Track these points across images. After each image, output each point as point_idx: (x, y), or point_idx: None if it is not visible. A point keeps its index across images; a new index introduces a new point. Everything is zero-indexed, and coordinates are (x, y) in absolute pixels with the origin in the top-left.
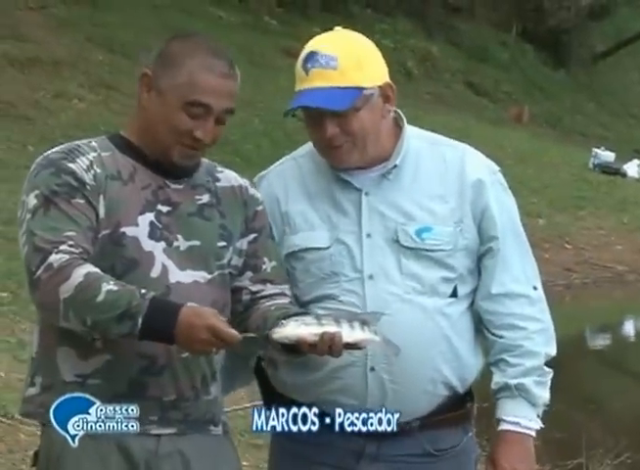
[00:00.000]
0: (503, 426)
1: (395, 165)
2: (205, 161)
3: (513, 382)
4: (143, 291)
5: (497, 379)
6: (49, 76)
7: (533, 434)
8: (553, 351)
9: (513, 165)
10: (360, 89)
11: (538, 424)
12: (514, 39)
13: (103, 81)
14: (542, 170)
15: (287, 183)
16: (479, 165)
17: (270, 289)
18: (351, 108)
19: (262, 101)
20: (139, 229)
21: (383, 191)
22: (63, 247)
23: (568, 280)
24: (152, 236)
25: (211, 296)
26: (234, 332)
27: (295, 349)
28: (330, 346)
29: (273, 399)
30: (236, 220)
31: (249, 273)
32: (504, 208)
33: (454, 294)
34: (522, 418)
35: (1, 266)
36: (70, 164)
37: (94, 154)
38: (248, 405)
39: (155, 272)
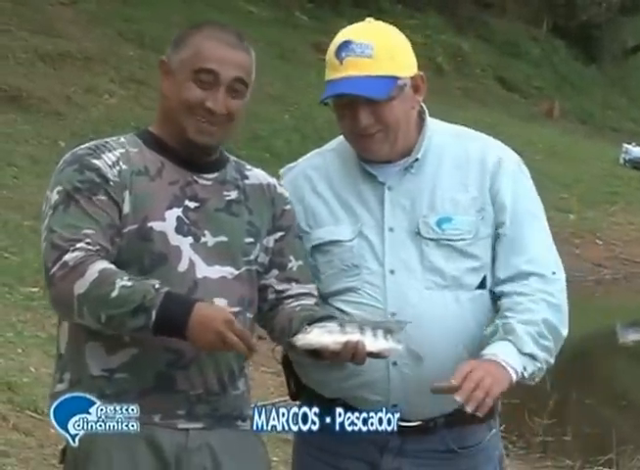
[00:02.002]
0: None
1: (417, 159)
2: (233, 159)
3: (501, 321)
4: (157, 286)
5: (489, 328)
6: (80, 72)
7: (511, 372)
8: (561, 326)
9: (543, 161)
10: (395, 78)
11: (519, 369)
12: (545, 34)
13: (133, 76)
14: (573, 166)
15: (313, 177)
16: (498, 154)
17: (296, 288)
18: (388, 97)
19: (292, 96)
20: (166, 224)
21: (405, 184)
22: (79, 245)
23: (598, 276)
24: (179, 231)
25: (239, 291)
26: (247, 335)
27: (318, 354)
28: (353, 354)
29: (300, 392)
30: (263, 217)
31: (274, 271)
32: (518, 194)
33: (482, 285)
34: (500, 353)
35: (32, 262)
36: (95, 161)
37: (121, 150)
38: (276, 401)
39: (182, 267)
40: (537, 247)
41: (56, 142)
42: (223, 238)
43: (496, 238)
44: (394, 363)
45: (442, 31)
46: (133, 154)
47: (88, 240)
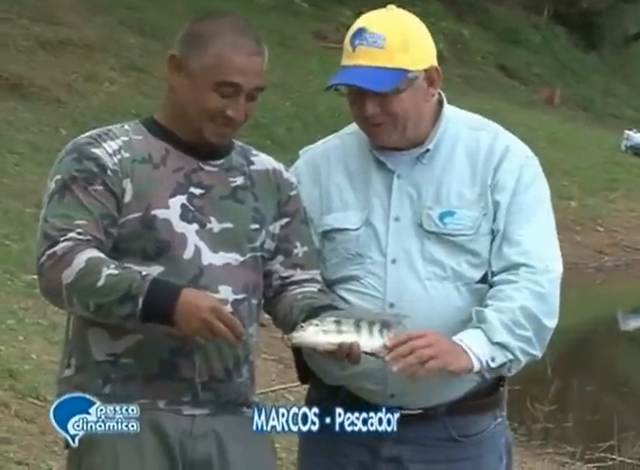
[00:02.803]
0: None
1: (428, 149)
2: (239, 144)
3: (476, 309)
4: (144, 273)
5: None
6: (80, 59)
7: (474, 360)
8: (545, 316)
9: (544, 148)
10: (405, 71)
11: (484, 358)
12: (545, 22)
13: (134, 64)
14: (574, 153)
15: (330, 160)
16: (506, 144)
17: (300, 274)
18: (393, 89)
19: (293, 84)
20: (170, 211)
21: (415, 174)
22: (70, 234)
23: (599, 263)
24: (184, 218)
25: (243, 278)
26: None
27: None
28: (347, 354)
29: (308, 376)
30: (269, 204)
31: (280, 257)
32: (518, 187)
33: (484, 280)
34: (467, 338)
35: (33, 250)
36: (95, 150)
37: (124, 138)
38: (277, 388)
39: (187, 254)
40: (532, 240)
41: (57, 130)
42: (229, 224)
43: (492, 232)
44: None
45: (443, 18)
46: (137, 141)
47: (79, 230)
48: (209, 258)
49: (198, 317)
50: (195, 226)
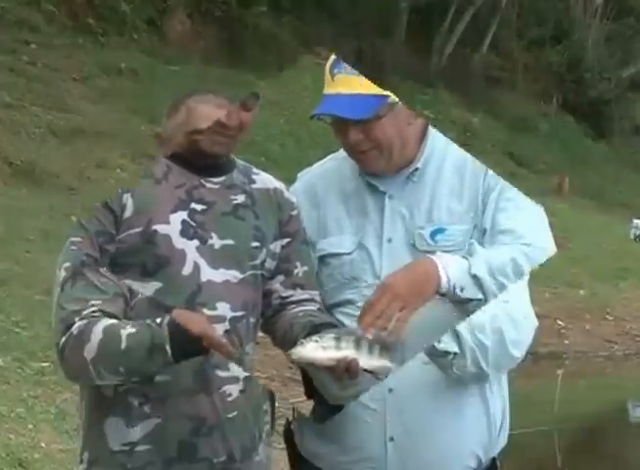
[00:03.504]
0: None
1: (417, 168)
2: (241, 162)
3: (469, 242)
4: (158, 320)
5: None
6: (91, 147)
7: (443, 278)
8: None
9: (554, 236)
10: (384, 97)
11: (454, 282)
12: (555, 110)
13: (145, 151)
14: (583, 241)
15: (327, 184)
16: (494, 177)
17: (300, 294)
18: (373, 116)
19: (287, 101)
20: (170, 227)
21: (406, 193)
22: (85, 313)
23: (609, 352)
24: (184, 234)
25: (242, 296)
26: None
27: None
28: (346, 369)
29: (300, 464)
30: (270, 222)
31: (280, 277)
32: (506, 187)
33: None
34: (446, 258)
35: (42, 337)
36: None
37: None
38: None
39: (186, 270)
40: (524, 226)
41: (68, 217)
42: (230, 241)
43: (483, 232)
44: (391, 439)
45: (453, 106)
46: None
47: (94, 308)
48: (209, 274)
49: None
50: (195, 242)
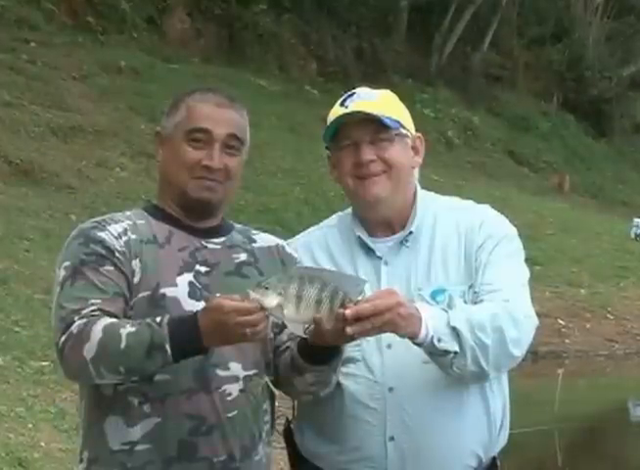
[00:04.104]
0: None
1: (411, 232)
2: (238, 226)
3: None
4: (158, 319)
5: None
6: (91, 145)
7: (422, 330)
8: (512, 342)
9: (554, 235)
10: (399, 123)
11: (432, 333)
12: (555, 109)
13: (144, 150)
14: (584, 240)
15: (314, 249)
16: (480, 219)
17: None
18: (394, 134)
19: (303, 169)
20: (178, 289)
21: (401, 258)
22: (84, 312)
23: (609, 351)
24: (192, 296)
25: (253, 355)
26: (251, 302)
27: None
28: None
29: (300, 464)
30: None
31: (288, 330)
32: (494, 249)
33: None
34: (428, 310)
35: (42, 336)
36: (100, 233)
37: (129, 222)
38: None
39: None
40: (508, 285)
41: (67, 216)
42: None
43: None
44: (392, 438)
45: (453, 105)
46: (140, 225)
47: (94, 308)
48: None
49: (228, 330)
50: (202, 304)
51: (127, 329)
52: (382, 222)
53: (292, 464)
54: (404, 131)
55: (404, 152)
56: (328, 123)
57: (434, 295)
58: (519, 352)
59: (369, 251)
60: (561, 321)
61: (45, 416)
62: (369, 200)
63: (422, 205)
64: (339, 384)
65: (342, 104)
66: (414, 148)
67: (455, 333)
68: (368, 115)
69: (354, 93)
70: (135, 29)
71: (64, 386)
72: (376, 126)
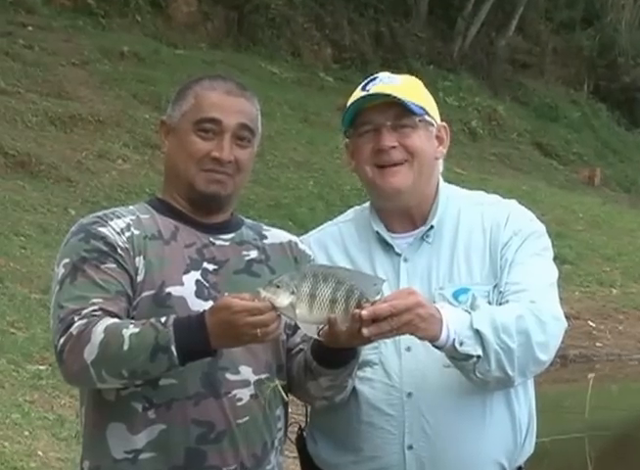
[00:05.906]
0: None
1: (432, 227)
2: (249, 221)
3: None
4: (163, 319)
5: None
6: (92, 136)
7: (443, 333)
8: (539, 346)
9: (584, 231)
10: (424, 110)
11: (454, 336)
12: (585, 97)
13: (148, 140)
14: (616, 237)
15: (328, 249)
16: (506, 214)
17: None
18: (417, 120)
19: (317, 162)
20: (185, 288)
21: (422, 255)
22: (85, 312)
23: None
24: (199, 295)
25: (264, 357)
26: (262, 302)
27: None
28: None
29: None
30: None
31: (301, 331)
32: (521, 246)
33: None
34: (449, 312)
35: (40, 337)
36: (101, 229)
37: (132, 217)
38: None
39: None
40: (535, 287)
41: (66, 210)
42: None
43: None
44: (410, 447)
45: (477, 94)
46: (145, 219)
47: (95, 307)
48: None
49: (237, 329)
50: (210, 303)
51: (130, 330)
52: (401, 215)
53: None
54: (429, 118)
55: (428, 140)
56: (347, 107)
57: (456, 295)
58: (546, 356)
59: (388, 247)
60: (591, 323)
61: (43, 423)
62: (388, 191)
63: (444, 198)
64: (354, 389)
65: (363, 88)
66: (438, 137)
67: (478, 336)
68: (390, 97)
69: (376, 77)
70: (139, 13)
71: (62, 391)
72: (398, 111)
